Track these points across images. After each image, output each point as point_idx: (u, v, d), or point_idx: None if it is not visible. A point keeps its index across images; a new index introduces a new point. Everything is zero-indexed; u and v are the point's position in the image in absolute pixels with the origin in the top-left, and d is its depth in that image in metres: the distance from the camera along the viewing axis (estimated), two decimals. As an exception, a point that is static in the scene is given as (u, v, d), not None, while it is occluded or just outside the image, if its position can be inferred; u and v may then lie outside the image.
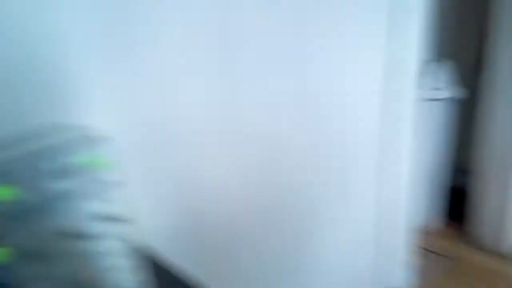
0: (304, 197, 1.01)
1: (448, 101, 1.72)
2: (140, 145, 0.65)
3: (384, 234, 1.30)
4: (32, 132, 0.36)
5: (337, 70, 0.97)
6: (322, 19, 0.89)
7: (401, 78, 1.13)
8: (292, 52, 0.85)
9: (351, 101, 1.04)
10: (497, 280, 1.55)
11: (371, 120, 1.13)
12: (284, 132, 0.90)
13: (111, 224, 0.37)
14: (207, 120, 0.75)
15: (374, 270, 1.33)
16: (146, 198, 0.67)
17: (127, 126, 0.62)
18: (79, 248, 0.35)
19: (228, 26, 0.73)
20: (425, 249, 1.73)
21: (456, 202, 1.85)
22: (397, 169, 1.25)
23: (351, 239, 1.20)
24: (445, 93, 1.69)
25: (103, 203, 0.37)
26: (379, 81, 1.09)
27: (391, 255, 1.36)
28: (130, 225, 0.38)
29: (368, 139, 1.14)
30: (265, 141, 0.87)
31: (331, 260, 1.16)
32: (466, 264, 1.64)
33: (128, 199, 0.39)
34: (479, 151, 1.65)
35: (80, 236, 0.35)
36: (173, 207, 0.74)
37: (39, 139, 0.35)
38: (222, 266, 0.85)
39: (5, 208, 0.31)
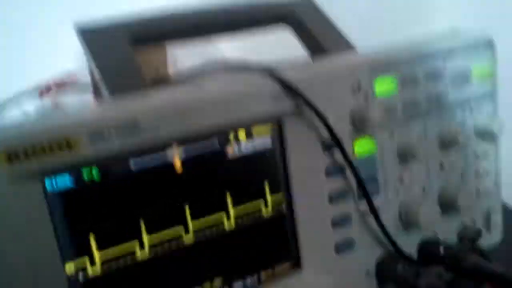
0: None
1: None
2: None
3: None
4: (427, 36, 0.36)
5: None
6: None
7: None
8: None
9: None
10: None
11: None
12: None
13: (487, 137, 0.35)
14: None
15: None
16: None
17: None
18: (453, 157, 0.34)
19: None
20: None
21: None
22: None
23: None
24: None
25: (483, 114, 0.35)
26: None
27: None
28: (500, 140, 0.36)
29: None
30: None
31: None
32: None
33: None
34: None
35: (456, 144, 0.34)
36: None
37: (433, 42, 0.34)
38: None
39: (387, 100, 0.31)
